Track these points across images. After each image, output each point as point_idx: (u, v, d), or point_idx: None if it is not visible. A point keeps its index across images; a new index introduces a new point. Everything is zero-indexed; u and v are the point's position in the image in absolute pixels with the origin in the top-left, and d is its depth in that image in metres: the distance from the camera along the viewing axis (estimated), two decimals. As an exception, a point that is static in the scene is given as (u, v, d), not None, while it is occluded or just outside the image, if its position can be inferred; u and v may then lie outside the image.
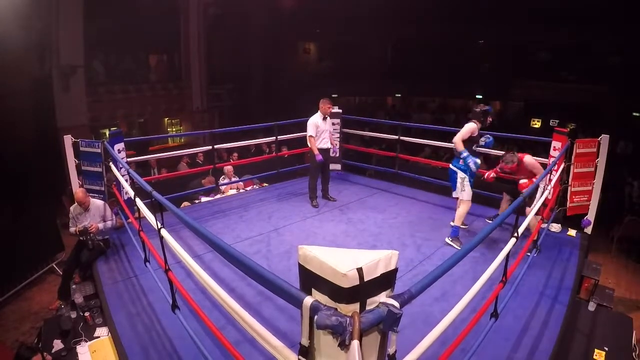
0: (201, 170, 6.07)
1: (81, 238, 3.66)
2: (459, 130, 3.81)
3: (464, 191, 3.80)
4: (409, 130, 6.85)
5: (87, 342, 2.82)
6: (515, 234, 2.34)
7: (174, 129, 12.39)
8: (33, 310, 4.37)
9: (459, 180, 3.80)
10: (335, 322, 1.04)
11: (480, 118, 3.77)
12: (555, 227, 4.28)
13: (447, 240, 3.93)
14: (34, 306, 4.46)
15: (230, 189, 5.82)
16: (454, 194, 3.92)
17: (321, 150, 4.75)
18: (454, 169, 3.83)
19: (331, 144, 4.95)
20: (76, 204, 3.79)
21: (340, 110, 6.07)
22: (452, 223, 3.93)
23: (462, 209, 3.86)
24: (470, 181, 3.81)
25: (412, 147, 6.74)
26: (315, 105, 4.73)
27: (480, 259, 3.56)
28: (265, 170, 5.83)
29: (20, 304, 4.52)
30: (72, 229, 3.74)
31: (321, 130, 4.74)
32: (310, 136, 4.70)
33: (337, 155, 6.07)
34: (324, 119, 4.74)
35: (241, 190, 5.81)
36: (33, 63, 7.62)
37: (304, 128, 4.87)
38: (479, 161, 3.71)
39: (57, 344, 2.82)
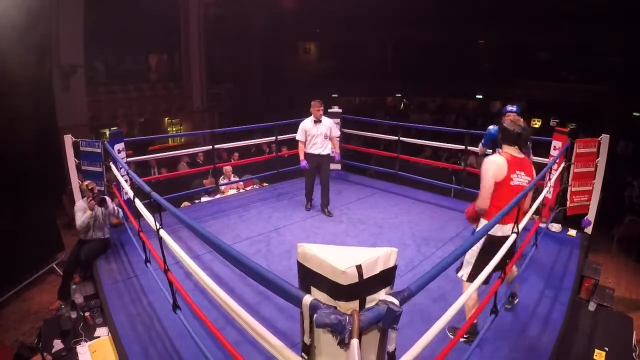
0: (201, 170, 6.07)
1: (99, 204, 3.71)
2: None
3: None
4: (408, 130, 6.85)
5: (87, 342, 2.81)
6: (515, 230, 2.33)
7: (174, 129, 12.39)
8: (33, 311, 4.36)
9: None
10: (335, 320, 1.03)
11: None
12: (556, 227, 4.28)
13: None
14: (34, 306, 4.45)
15: (230, 188, 5.82)
16: None
17: (312, 155, 4.48)
18: None
19: (332, 148, 4.58)
20: (83, 199, 3.81)
21: (340, 110, 6.07)
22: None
23: None
24: None
25: (412, 147, 6.74)
26: None
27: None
28: (265, 170, 5.83)
29: (20, 304, 4.52)
30: (84, 216, 3.70)
31: (311, 134, 4.45)
32: (298, 140, 4.51)
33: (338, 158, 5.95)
34: (316, 122, 4.45)
35: (241, 190, 5.81)
36: (33, 63, 7.61)
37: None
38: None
39: (57, 344, 2.82)
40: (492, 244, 2.29)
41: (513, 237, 2.28)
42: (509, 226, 2.34)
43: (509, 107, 3.42)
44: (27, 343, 3.51)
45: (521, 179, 2.33)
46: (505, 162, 2.32)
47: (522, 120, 2.39)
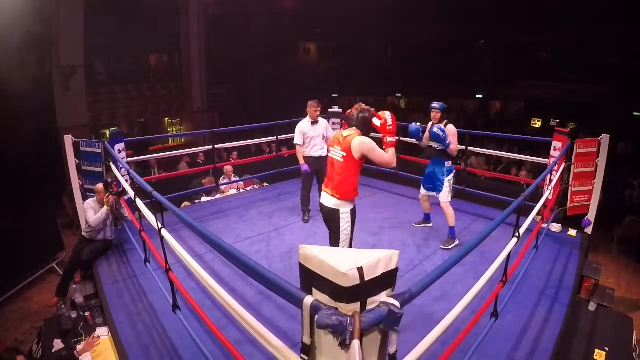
0: (201, 170, 6.07)
1: (118, 195, 3.82)
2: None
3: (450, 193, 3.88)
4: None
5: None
6: (517, 234, 2.35)
7: (175, 129, 12.39)
8: (33, 310, 4.37)
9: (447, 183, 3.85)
10: (336, 321, 1.03)
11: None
12: (556, 227, 4.28)
13: (446, 246, 3.90)
14: (34, 306, 4.46)
15: (231, 188, 5.82)
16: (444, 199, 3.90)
17: (312, 159, 4.33)
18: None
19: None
20: (93, 199, 3.83)
21: (341, 110, 6.07)
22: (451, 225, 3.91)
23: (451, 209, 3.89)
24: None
25: (413, 147, 6.75)
26: None
27: (480, 259, 3.56)
28: (266, 170, 5.83)
29: (20, 304, 4.53)
30: (100, 212, 3.70)
31: (309, 136, 4.32)
32: (296, 144, 4.35)
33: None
34: (313, 123, 4.34)
35: (241, 190, 5.81)
36: (33, 63, 7.63)
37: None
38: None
39: (58, 344, 2.82)
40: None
41: (332, 209, 2.67)
42: (325, 195, 2.71)
43: (433, 104, 3.83)
44: (15, 345, 3.53)
45: (335, 153, 2.65)
46: (333, 137, 2.74)
47: (362, 105, 2.69)
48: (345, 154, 2.57)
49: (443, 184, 3.84)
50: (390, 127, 2.58)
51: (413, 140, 5.79)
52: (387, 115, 2.60)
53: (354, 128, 2.64)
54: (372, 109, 2.68)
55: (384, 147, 2.61)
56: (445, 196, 3.85)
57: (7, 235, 4.71)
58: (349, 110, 2.75)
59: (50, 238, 5.26)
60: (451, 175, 3.85)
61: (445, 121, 3.80)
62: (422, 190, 4.10)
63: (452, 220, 3.87)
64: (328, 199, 2.69)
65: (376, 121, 2.62)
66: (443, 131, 3.63)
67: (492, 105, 14.64)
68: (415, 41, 13.76)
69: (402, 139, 5.55)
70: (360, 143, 2.52)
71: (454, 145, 3.74)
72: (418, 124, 3.86)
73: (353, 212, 2.70)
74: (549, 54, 12.70)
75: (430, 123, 3.91)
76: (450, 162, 3.84)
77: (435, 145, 3.83)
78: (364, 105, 2.69)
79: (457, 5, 11.69)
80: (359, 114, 2.62)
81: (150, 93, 11.15)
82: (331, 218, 2.70)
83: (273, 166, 5.59)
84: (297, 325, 1.75)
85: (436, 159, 3.90)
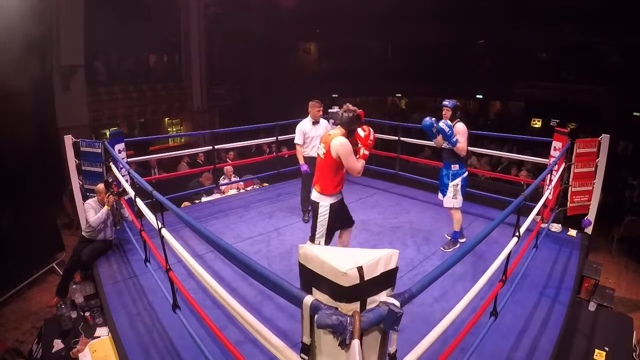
0: (201, 170, 6.07)
1: (119, 195, 3.85)
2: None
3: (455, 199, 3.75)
4: (409, 130, 6.85)
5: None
6: (517, 234, 2.35)
7: (175, 129, 12.39)
8: (33, 310, 4.37)
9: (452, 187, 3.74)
10: (336, 321, 1.04)
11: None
12: (556, 227, 4.28)
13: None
14: (34, 306, 4.46)
15: (231, 189, 5.82)
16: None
17: (311, 159, 4.19)
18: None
19: None
20: (94, 199, 3.84)
21: (341, 110, 6.07)
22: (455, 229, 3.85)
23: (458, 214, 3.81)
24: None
25: (412, 147, 6.77)
26: None
27: (480, 258, 3.56)
28: (266, 170, 5.83)
29: (20, 304, 4.53)
30: (100, 212, 3.71)
31: (310, 136, 4.33)
32: (296, 144, 4.35)
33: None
34: (314, 123, 4.36)
35: (241, 190, 5.81)
36: (33, 63, 7.62)
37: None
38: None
39: (57, 344, 2.82)
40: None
41: (315, 201, 2.86)
42: (313, 188, 2.88)
43: (444, 102, 3.73)
44: (14, 346, 3.53)
45: (320, 149, 2.82)
46: (323, 135, 2.95)
47: (349, 106, 2.77)
48: (325, 151, 2.72)
49: (447, 188, 3.73)
50: (371, 142, 2.72)
51: (413, 141, 5.83)
52: (371, 130, 2.73)
53: (339, 127, 2.76)
54: (360, 110, 2.77)
55: (357, 156, 2.74)
56: (448, 201, 3.73)
57: (7, 235, 4.70)
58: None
59: (50, 238, 5.25)
60: (457, 180, 3.69)
61: (457, 120, 3.66)
62: (439, 194, 3.96)
63: (457, 226, 3.81)
64: (312, 192, 2.90)
65: (360, 132, 2.72)
66: (450, 127, 3.53)
67: (492, 105, 14.63)
68: (415, 41, 13.75)
69: (402, 139, 5.57)
70: (340, 144, 2.64)
71: (462, 144, 3.60)
72: (433, 118, 3.70)
73: (333, 207, 2.81)
74: (549, 54, 12.71)
75: None
76: (457, 166, 3.69)
77: (445, 144, 3.71)
78: (351, 106, 2.78)
79: (457, 5, 11.69)
80: (344, 113, 2.73)
81: (150, 93, 11.13)
82: (314, 210, 2.89)
83: (273, 166, 5.59)
84: (297, 325, 1.75)
85: (445, 161, 3.78)
